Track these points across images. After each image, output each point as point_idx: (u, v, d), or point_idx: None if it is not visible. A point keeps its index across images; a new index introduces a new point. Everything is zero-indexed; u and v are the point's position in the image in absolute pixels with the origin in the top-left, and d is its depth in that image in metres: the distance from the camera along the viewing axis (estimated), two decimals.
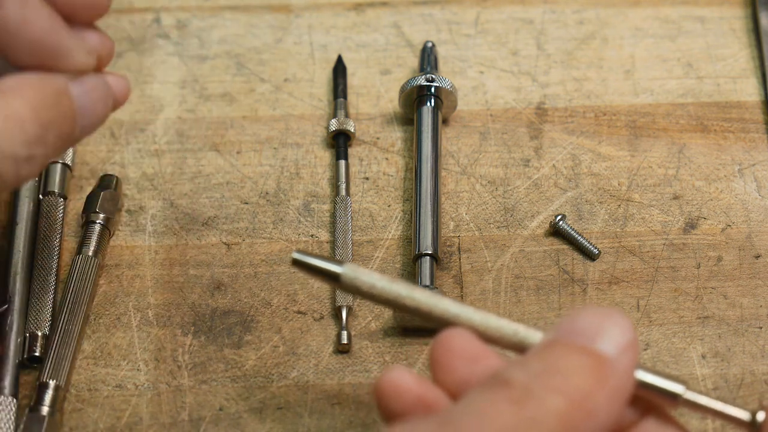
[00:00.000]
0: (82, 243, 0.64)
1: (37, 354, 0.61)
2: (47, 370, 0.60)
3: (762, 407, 0.49)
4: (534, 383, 0.45)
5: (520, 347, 0.51)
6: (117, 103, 0.56)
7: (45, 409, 0.59)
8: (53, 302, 0.62)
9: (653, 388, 0.49)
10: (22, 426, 0.58)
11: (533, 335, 0.51)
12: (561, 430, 0.44)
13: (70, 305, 0.62)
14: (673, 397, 0.49)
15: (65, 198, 0.66)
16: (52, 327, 0.61)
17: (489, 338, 0.51)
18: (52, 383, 0.59)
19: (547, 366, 0.46)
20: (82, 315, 0.62)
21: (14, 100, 0.50)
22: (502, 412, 0.44)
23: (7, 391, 0.59)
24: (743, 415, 0.49)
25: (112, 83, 0.55)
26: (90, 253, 0.63)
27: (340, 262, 0.53)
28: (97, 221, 0.64)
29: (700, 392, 0.49)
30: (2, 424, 0.58)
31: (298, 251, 0.53)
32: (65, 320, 0.61)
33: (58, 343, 0.60)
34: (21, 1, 0.51)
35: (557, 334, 0.48)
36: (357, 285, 0.52)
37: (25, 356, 0.61)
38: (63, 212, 0.66)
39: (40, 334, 0.61)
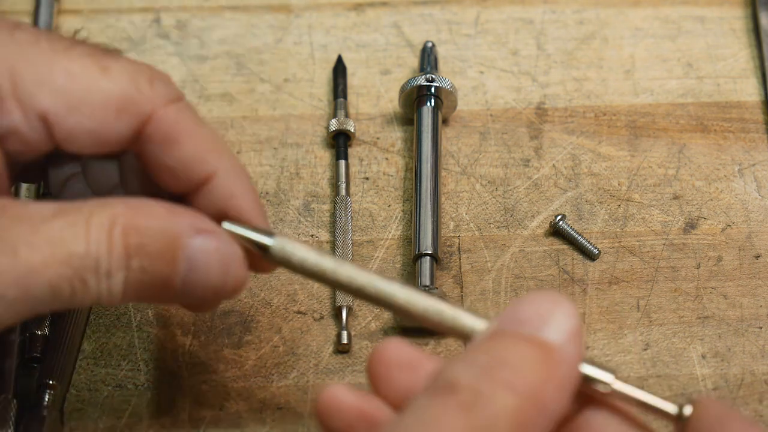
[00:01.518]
0: None
1: (37, 354, 0.61)
2: (47, 370, 0.60)
3: (690, 401, 0.47)
4: (481, 382, 0.43)
5: (461, 333, 0.50)
6: (232, 285, 0.52)
7: (45, 409, 0.59)
8: None
9: (584, 377, 0.47)
10: (22, 426, 0.58)
11: (474, 322, 0.49)
12: (515, 430, 0.42)
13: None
14: (602, 385, 0.48)
15: None
16: (53, 327, 0.61)
17: (428, 322, 0.50)
18: (52, 383, 0.59)
19: (493, 360, 0.44)
20: (82, 315, 0.62)
21: (105, 210, 0.49)
22: (451, 420, 0.42)
23: (7, 391, 0.59)
24: (670, 408, 0.48)
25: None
26: None
27: (271, 233, 0.52)
28: None
29: (630, 384, 0.48)
30: (2, 425, 0.58)
31: (229, 222, 0.52)
32: (65, 320, 0.61)
33: (58, 343, 0.60)
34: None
35: (501, 323, 0.46)
36: (287, 257, 0.52)
37: (26, 356, 0.61)
38: None
39: (40, 334, 0.61)
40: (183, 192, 0.53)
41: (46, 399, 0.59)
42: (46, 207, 0.48)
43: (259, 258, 0.53)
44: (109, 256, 0.48)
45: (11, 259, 0.46)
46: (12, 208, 0.48)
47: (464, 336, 0.50)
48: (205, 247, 0.50)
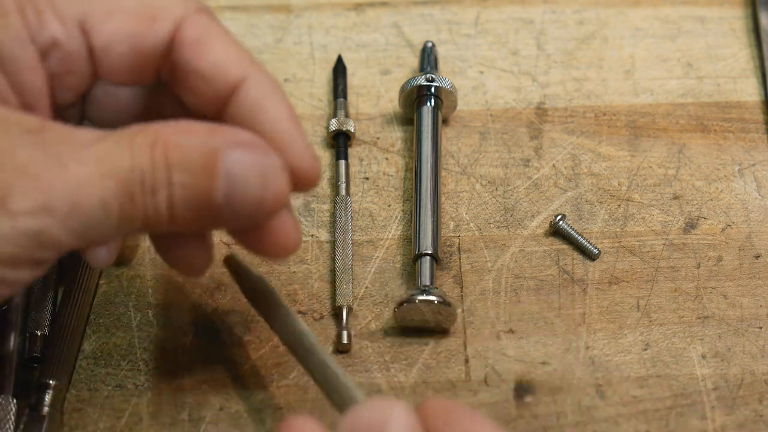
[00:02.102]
0: None
1: (37, 354, 0.61)
2: (47, 370, 0.60)
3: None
4: None
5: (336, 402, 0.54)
6: (299, 185, 0.53)
7: (45, 409, 0.59)
8: (53, 302, 0.62)
9: None
10: (22, 426, 0.58)
11: (351, 396, 0.54)
12: None
13: (70, 305, 0.62)
14: None
15: None
16: (53, 327, 0.61)
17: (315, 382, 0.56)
18: (52, 383, 0.59)
19: None
20: (82, 315, 0.62)
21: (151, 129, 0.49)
22: None
23: (7, 391, 0.59)
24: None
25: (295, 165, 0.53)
26: None
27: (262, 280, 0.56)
28: None
29: None
30: (2, 425, 0.58)
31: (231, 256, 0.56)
32: (65, 320, 0.61)
33: (58, 343, 0.60)
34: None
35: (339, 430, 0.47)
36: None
37: (26, 356, 0.61)
38: None
39: (39, 334, 0.61)
40: (213, 107, 0.53)
41: (46, 399, 0.59)
42: (90, 131, 0.49)
43: (303, 180, 0.53)
44: (153, 171, 0.49)
45: (61, 172, 0.47)
46: (59, 128, 0.49)
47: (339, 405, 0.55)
48: (243, 158, 0.50)
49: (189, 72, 0.53)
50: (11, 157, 0.47)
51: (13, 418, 0.58)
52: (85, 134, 0.49)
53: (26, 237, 0.47)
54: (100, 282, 0.64)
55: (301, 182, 0.53)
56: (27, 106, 0.51)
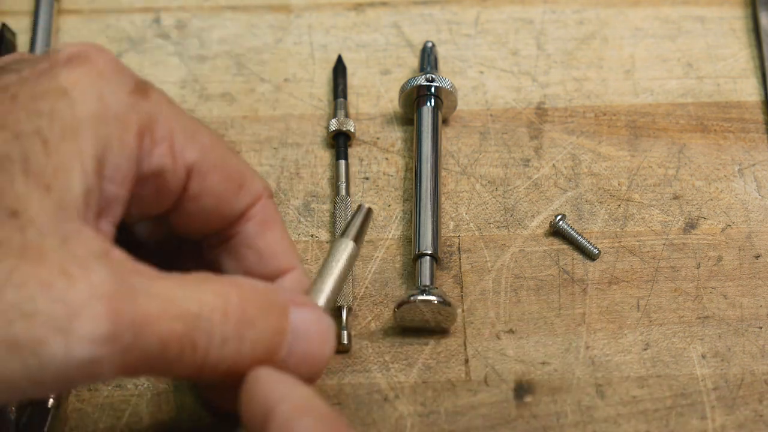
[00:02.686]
0: None
1: None
2: None
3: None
4: None
5: None
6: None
7: (50, 401, 0.59)
8: None
9: None
10: (24, 418, 0.58)
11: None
12: None
13: None
14: None
15: None
16: None
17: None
18: (50, 401, 0.59)
19: None
20: None
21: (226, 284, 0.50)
22: None
23: None
24: None
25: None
26: None
27: None
28: None
29: None
30: (5, 422, 0.58)
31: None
32: None
33: None
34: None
35: None
36: None
37: None
38: None
39: None
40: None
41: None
42: (148, 266, 0.48)
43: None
44: (223, 325, 0.49)
45: (131, 303, 0.46)
46: (121, 255, 0.48)
47: None
48: (307, 318, 0.52)
49: (247, 248, 0.56)
50: (85, 272, 0.45)
51: (13, 419, 0.58)
52: (146, 268, 0.48)
53: (80, 366, 0.45)
54: None
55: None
56: (96, 216, 0.50)
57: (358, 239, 0.58)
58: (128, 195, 0.50)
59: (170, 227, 0.55)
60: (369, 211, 0.58)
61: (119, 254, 0.47)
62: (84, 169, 0.47)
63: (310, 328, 0.52)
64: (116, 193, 0.50)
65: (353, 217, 0.58)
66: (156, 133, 0.51)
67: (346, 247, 0.57)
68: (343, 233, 0.57)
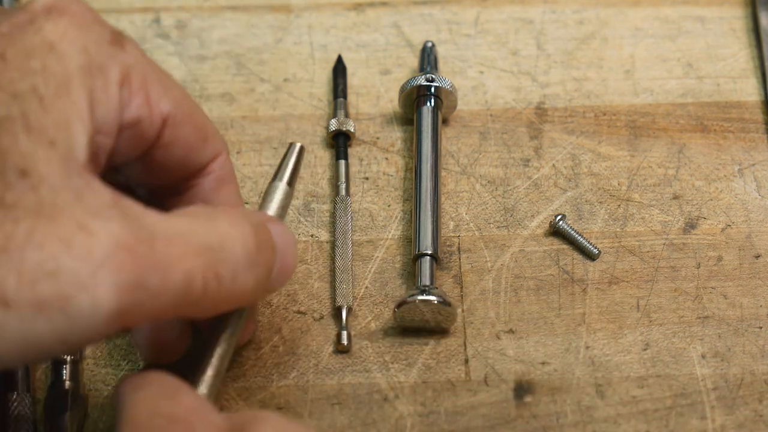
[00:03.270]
0: None
1: None
2: None
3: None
4: None
5: None
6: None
7: (67, 383, 0.59)
8: None
9: None
10: (48, 402, 0.58)
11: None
12: None
13: None
14: None
15: None
16: None
17: None
18: (68, 358, 0.59)
19: None
20: None
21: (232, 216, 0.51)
22: None
23: (20, 387, 0.59)
24: None
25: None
26: None
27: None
28: None
29: None
30: (21, 420, 0.58)
31: None
32: None
33: None
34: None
35: None
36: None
37: None
38: None
39: None
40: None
41: (65, 373, 0.59)
42: (156, 212, 0.49)
43: None
44: (245, 252, 0.50)
45: (152, 249, 0.46)
46: (140, 207, 0.48)
47: None
48: (282, 232, 0.54)
49: (201, 200, 0.57)
50: (102, 224, 0.45)
51: (30, 412, 0.58)
52: (155, 211, 0.48)
53: (109, 318, 0.45)
54: None
55: None
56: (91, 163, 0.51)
57: (291, 182, 0.58)
58: (113, 144, 0.51)
59: (129, 176, 0.56)
60: (301, 149, 0.59)
61: (128, 201, 0.48)
62: (83, 121, 0.48)
63: (284, 240, 0.54)
64: (105, 144, 0.51)
65: (285, 157, 0.59)
66: (133, 83, 0.52)
67: (280, 190, 0.58)
68: (275, 176, 0.58)
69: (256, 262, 0.51)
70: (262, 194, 0.58)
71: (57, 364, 0.60)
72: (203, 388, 0.53)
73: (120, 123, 0.51)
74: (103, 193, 0.47)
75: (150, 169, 0.55)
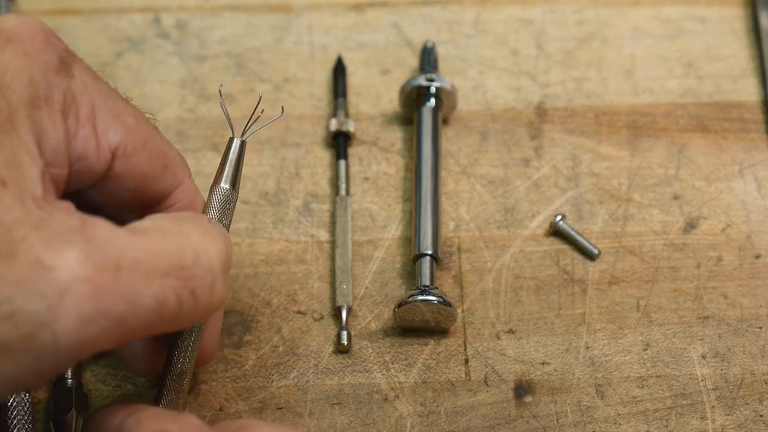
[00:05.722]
0: None
1: None
2: None
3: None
4: None
5: None
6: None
7: (70, 382, 0.59)
8: None
9: None
10: (52, 401, 0.58)
11: None
12: None
13: None
14: None
15: None
16: None
17: None
18: None
19: None
20: None
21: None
22: None
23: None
24: None
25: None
26: None
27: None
28: None
29: None
30: (23, 421, 0.58)
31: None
32: None
33: None
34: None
35: None
36: None
37: None
38: None
39: None
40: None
41: (68, 373, 0.59)
42: (134, 226, 0.48)
43: None
44: (219, 262, 0.49)
45: (116, 275, 0.45)
46: (107, 225, 0.47)
47: None
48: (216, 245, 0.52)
49: None
50: (61, 257, 0.44)
51: (30, 413, 0.58)
52: (124, 229, 0.48)
53: (75, 349, 0.45)
54: None
55: None
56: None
57: (234, 184, 0.56)
58: (68, 174, 0.50)
59: (91, 200, 0.55)
60: (242, 145, 0.57)
61: (95, 225, 0.47)
62: (32, 156, 0.47)
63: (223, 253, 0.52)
64: (61, 173, 0.50)
65: (226, 154, 0.57)
66: (80, 113, 0.51)
67: (224, 192, 0.56)
68: (218, 178, 0.56)
69: (227, 270, 0.50)
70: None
71: None
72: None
73: (69, 154, 0.50)
74: (66, 221, 0.46)
75: (107, 198, 0.54)
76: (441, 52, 0.73)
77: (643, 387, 0.61)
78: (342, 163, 0.68)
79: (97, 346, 0.45)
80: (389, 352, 0.62)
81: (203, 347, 0.56)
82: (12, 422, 0.58)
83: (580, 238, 0.65)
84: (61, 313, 0.44)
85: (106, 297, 0.45)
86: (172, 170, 0.55)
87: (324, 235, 0.66)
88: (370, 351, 0.62)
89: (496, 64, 0.73)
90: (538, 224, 0.66)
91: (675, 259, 0.65)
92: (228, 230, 0.56)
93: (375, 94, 0.72)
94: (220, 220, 0.55)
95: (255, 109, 0.57)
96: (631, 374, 0.61)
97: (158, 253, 0.47)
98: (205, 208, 0.56)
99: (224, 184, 0.56)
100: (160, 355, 0.56)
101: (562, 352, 0.62)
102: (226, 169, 0.56)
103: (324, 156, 0.69)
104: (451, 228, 0.66)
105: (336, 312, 0.63)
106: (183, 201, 0.55)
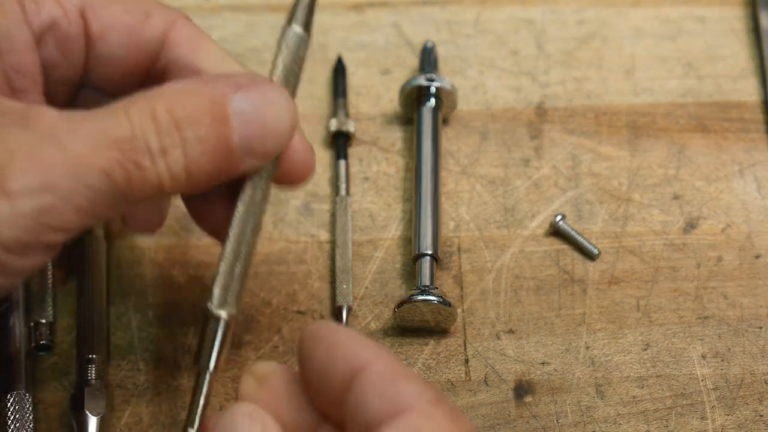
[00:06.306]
0: None
1: (44, 342, 0.61)
2: (86, 348, 0.60)
3: None
4: None
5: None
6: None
7: (94, 382, 0.59)
8: (53, 288, 0.62)
9: None
10: (71, 397, 0.59)
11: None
12: None
13: (91, 283, 0.62)
14: None
15: None
16: (79, 304, 0.61)
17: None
18: (92, 357, 0.60)
19: None
20: (104, 288, 0.62)
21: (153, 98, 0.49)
22: None
23: (20, 386, 0.59)
24: None
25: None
26: (101, 233, 0.63)
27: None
28: None
29: None
30: (22, 420, 0.58)
31: None
32: (90, 298, 0.61)
33: (86, 323, 0.61)
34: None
35: None
36: None
37: (32, 345, 0.61)
38: None
39: (45, 321, 0.61)
40: None
41: (92, 373, 0.59)
42: (78, 111, 0.49)
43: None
44: (159, 134, 0.49)
45: (58, 150, 0.47)
46: (46, 111, 0.48)
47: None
48: (249, 95, 0.51)
49: (186, 69, 0.54)
50: (2, 141, 0.47)
51: (30, 412, 0.58)
52: (75, 114, 0.49)
53: (30, 219, 0.47)
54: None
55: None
56: (17, 92, 0.51)
57: (307, 25, 0.54)
58: (37, 61, 0.51)
59: (97, 82, 0.55)
60: None
61: (39, 111, 0.48)
62: None
63: (256, 104, 0.51)
64: (23, 63, 0.50)
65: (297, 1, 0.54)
66: None
67: (295, 35, 0.54)
68: (290, 20, 0.54)
69: (177, 142, 0.49)
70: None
71: (83, 362, 0.60)
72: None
73: (33, 34, 0.50)
74: (10, 105, 0.48)
75: (107, 66, 0.54)
76: (441, 52, 0.73)
77: (643, 387, 0.61)
78: (342, 163, 0.68)
79: (55, 219, 0.47)
80: None
81: (294, 162, 0.55)
82: (12, 422, 0.58)
83: (580, 238, 0.65)
84: (10, 183, 0.46)
85: (49, 170, 0.46)
86: (158, 15, 0.54)
87: (324, 235, 0.66)
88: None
89: (496, 64, 0.73)
90: (538, 224, 0.66)
91: (675, 259, 0.65)
92: (298, 82, 0.55)
93: (375, 94, 0.72)
94: (288, 73, 0.54)
95: None
96: (631, 374, 0.61)
97: (100, 130, 0.48)
98: (277, 53, 0.54)
99: (296, 27, 0.54)
100: (160, 214, 0.57)
101: (562, 352, 0.62)
102: (299, 8, 0.54)
103: (324, 156, 0.69)
104: (451, 228, 0.66)
105: (336, 312, 0.63)
106: (184, 37, 0.54)
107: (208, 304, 0.52)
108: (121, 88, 0.55)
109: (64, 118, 0.48)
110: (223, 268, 0.52)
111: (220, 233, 0.55)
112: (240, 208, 0.53)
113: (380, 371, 0.46)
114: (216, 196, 0.55)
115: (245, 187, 0.53)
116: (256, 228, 0.53)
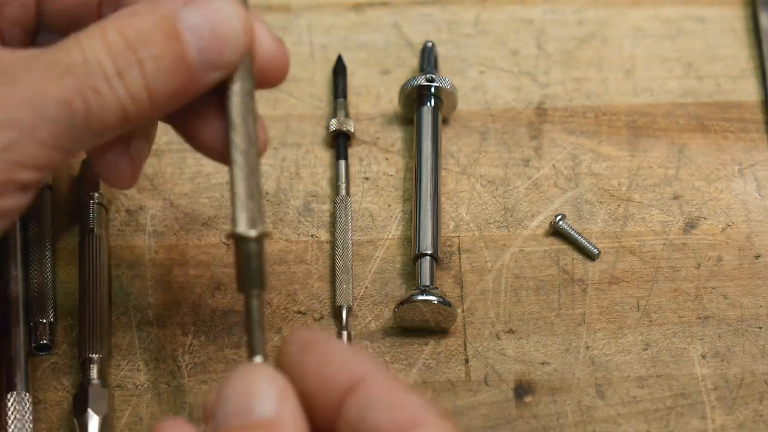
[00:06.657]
0: (86, 223, 0.64)
1: (44, 341, 0.61)
2: (87, 347, 0.60)
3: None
4: None
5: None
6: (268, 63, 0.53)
7: (96, 381, 0.59)
8: (53, 287, 0.62)
9: None
10: (74, 397, 0.59)
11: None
12: None
13: (88, 282, 0.62)
14: None
15: (51, 188, 0.66)
16: (81, 304, 0.61)
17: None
18: (94, 357, 0.60)
19: None
20: (106, 288, 0.62)
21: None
22: None
23: (20, 387, 0.59)
24: None
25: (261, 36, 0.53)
26: (101, 233, 0.63)
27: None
28: (98, 201, 0.64)
29: None
30: (22, 420, 0.58)
31: None
32: (90, 298, 0.61)
33: (88, 322, 0.61)
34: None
35: (216, 423, 0.45)
36: None
37: (32, 345, 0.61)
38: (50, 203, 0.65)
39: (45, 321, 0.61)
40: None
41: (94, 373, 0.59)
42: (33, 50, 0.49)
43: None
44: (112, 56, 0.48)
45: (12, 86, 0.47)
46: (1, 50, 0.49)
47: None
48: (198, 8, 0.50)
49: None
50: None
51: (30, 412, 0.58)
52: (27, 51, 0.49)
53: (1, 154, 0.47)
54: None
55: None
56: None
57: None
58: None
59: (52, 24, 0.55)
60: None
61: None
62: None
63: (206, 15, 0.50)
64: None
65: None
66: None
67: None
68: None
69: (132, 62, 0.49)
70: None
71: (85, 362, 0.60)
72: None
73: None
74: None
75: (59, 9, 0.54)
76: (441, 52, 0.73)
77: (643, 387, 0.61)
78: (342, 163, 0.68)
79: (24, 155, 0.47)
80: (389, 352, 0.62)
81: (268, 59, 0.54)
82: (12, 422, 0.58)
83: (580, 238, 0.65)
84: None
85: (6, 106, 0.47)
86: None
87: (324, 235, 0.66)
88: (370, 351, 0.62)
89: (496, 64, 0.73)
90: (538, 224, 0.66)
91: (675, 259, 0.65)
92: None
93: (375, 94, 0.72)
94: None
95: None
96: (631, 374, 0.61)
97: (53, 62, 0.48)
98: None
99: None
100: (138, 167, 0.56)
101: (562, 352, 0.62)
102: None
103: (324, 156, 0.69)
104: (451, 228, 0.66)
105: (336, 312, 0.63)
106: None
107: (236, 230, 0.50)
108: (78, 29, 0.54)
109: (17, 55, 0.48)
110: (238, 188, 0.51)
111: (215, 151, 0.54)
112: (234, 119, 0.52)
113: (381, 383, 0.45)
114: (203, 113, 0.54)
115: (229, 97, 0.52)
116: (252, 137, 0.52)
